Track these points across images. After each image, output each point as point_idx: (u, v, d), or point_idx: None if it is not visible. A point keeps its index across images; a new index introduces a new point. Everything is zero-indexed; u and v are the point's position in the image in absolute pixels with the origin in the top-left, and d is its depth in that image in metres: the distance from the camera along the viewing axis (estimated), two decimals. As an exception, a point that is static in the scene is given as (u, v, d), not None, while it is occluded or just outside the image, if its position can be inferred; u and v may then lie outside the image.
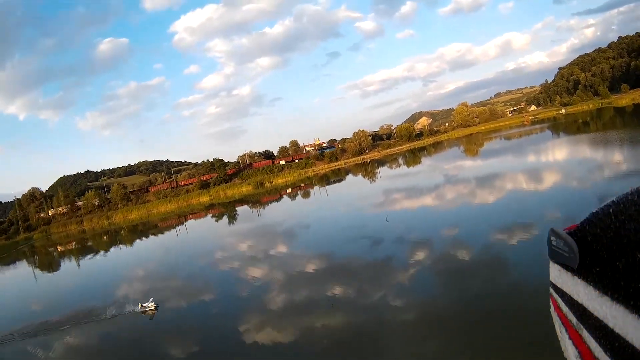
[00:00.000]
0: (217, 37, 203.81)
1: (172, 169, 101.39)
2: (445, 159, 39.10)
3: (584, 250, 0.45)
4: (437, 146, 67.13)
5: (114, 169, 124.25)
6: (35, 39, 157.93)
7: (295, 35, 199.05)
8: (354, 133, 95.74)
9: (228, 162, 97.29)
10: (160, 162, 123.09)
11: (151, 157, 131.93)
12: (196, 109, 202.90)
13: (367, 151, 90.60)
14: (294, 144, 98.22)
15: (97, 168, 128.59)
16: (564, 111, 79.12)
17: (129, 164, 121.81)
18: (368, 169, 51.72)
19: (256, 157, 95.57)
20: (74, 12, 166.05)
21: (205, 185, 77.82)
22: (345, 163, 78.83)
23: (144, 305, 9.96)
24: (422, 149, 69.50)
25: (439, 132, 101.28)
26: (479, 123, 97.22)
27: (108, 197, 77.15)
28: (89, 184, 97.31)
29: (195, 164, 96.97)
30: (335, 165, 78.31)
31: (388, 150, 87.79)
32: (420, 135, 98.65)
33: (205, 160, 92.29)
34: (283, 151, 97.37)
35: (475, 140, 54.90)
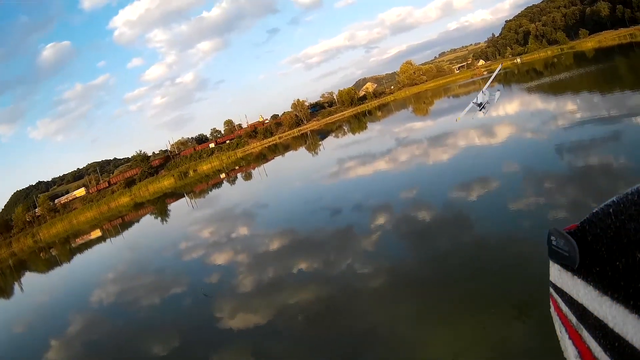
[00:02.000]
0: (157, 27, 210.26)
1: (117, 168, 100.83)
2: (393, 122, 41.06)
3: (584, 250, 0.50)
4: (383, 108, 69.62)
5: (64, 175, 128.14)
6: None
7: (234, 16, 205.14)
8: (291, 104, 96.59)
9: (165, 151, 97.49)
10: (108, 162, 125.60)
11: (99, 157, 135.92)
12: (143, 101, 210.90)
13: (305, 122, 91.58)
14: (229, 123, 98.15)
15: (48, 177, 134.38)
16: (519, 60, 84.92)
17: (78, 168, 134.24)
18: (309, 141, 52.64)
19: (189, 143, 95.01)
20: (17, 21, 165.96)
21: (130, 183, 76.68)
22: (280, 137, 79.72)
23: None
24: (367, 113, 71.70)
25: (384, 93, 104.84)
26: (426, 81, 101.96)
27: (37, 211, 75.88)
28: (38, 195, 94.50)
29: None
30: (270, 141, 79.01)
31: (328, 118, 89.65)
32: (364, 98, 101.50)
33: (135, 154, 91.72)
34: (215, 133, 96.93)
35: (424, 99, 57.96)
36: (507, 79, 49.02)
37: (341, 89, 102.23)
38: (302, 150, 45.22)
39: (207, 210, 23.83)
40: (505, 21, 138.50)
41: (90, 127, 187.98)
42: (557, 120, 14.10)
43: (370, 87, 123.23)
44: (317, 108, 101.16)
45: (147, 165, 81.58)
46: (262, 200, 19.21)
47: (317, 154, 35.16)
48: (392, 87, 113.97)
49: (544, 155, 10.31)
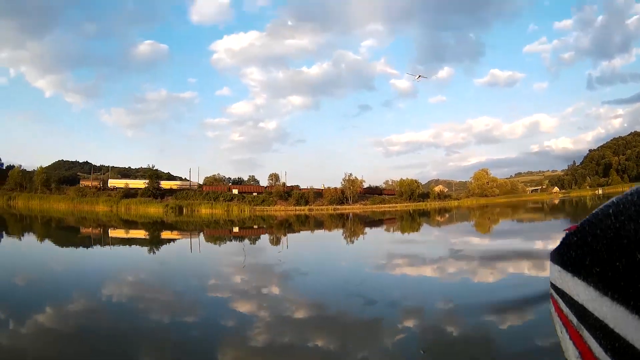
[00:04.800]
0: (255, 65, 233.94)
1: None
2: (451, 231, 42.05)
3: (584, 250, 1.03)
4: (443, 213, 70.53)
5: (112, 167, 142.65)
6: (79, 21, 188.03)
7: (331, 80, 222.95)
8: (343, 178, 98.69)
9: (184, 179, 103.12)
10: (161, 174, 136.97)
11: (159, 166, 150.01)
12: (221, 132, 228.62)
13: (350, 202, 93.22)
14: (274, 177, 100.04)
15: (97, 162, 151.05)
16: (600, 191, 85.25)
17: (129, 167, 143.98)
18: (349, 225, 53.88)
19: (224, 181, 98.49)
20: (122, 5, 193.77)
21: (131, 195, 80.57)
22: (310, 209, 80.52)
23: None
24: (424, 213, 72.63)
25: (449, 197, 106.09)
26: (497, 195, 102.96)
27: (32, 178, 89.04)
28: (78, 173, 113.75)
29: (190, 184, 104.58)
30: (300, 209, 79.81)
31: (376, 206, 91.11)
32: (425, 196, 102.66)
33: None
34: (252, 181, 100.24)
35: (489, 214, 58.72)
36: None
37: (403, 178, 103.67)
38: (337, 232, 46.56)
39: (215, 258, 25.30)
40: (589, 150, 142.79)
41: (163, 135, 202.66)
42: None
43: (440, 189, 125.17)
44: (370, 192, 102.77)
45: (153, 184, 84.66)
46: (285, 268, 20.49)
47: (354, 241, 36.38)
48: (461, 194, 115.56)
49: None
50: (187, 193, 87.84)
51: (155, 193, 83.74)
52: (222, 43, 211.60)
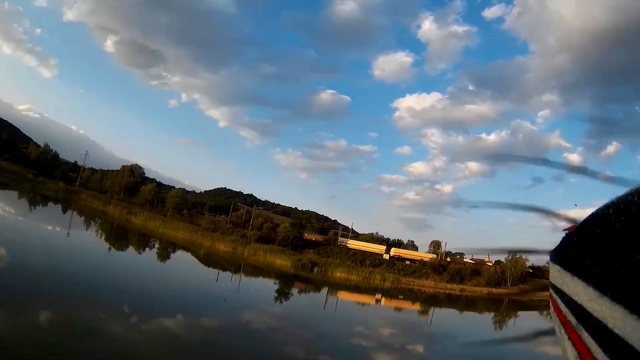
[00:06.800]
0: (435, 127, 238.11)
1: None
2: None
3: (584, 250, 0.51)
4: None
5: (277, 204, 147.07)
6: (256, 62, 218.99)
7: (508, 150, 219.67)
8: (506, 258, 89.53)
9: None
10: (326, 218, 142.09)
11: (322, 212, 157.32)
12: (396, 189, 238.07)
13: (508, 284, 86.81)
14: (435, 244, 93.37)
15: (263, 197, 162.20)
16: None
17: (295, 207, 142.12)
18: (502, 309, 54.75)
19: (381, 242, 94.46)
20: (303, 54, 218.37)
21: (267, 241, 77.47)
22: (462, 290, 75.51)
23: None
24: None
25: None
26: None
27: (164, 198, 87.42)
28: (238, 204, 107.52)
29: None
30: (451, 288, 75.03)
31: (535, 294, 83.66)
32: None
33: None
34: (409, 245, 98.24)
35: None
36: None
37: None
38: (487, 316, 49.48)
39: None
40: None
41: (335, 184, 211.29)
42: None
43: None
44: (532, 274, 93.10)
45: (294, 232, 78.46)
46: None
47: (504, 326, 39.70)
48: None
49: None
50: (332, 249, 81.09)
51: (295, 243, 77.00)
52: (404, 101, 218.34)
